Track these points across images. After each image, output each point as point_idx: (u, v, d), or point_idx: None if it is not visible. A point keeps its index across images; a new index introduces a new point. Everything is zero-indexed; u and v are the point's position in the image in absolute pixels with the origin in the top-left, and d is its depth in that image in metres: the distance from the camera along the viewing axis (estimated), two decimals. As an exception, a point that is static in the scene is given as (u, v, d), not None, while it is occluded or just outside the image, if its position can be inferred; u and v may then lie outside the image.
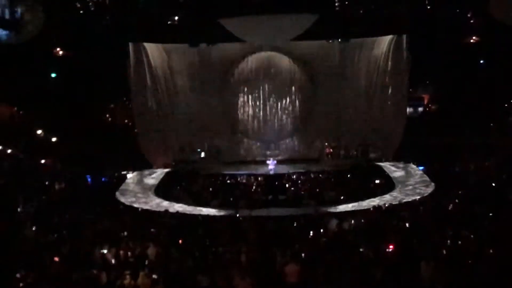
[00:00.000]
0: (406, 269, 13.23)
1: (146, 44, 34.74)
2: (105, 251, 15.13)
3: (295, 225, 19.64)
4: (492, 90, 33.51)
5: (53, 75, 35.05)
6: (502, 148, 31.01)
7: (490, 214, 18.88)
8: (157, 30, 33.20)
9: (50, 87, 33.77)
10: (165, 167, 34.17)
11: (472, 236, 15.39)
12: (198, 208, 24.99)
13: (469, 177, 28.85)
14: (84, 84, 32.80)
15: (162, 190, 29.22)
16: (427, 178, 28.67)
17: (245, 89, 37.05)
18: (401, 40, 34.14)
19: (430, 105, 41.62)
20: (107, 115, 40.04)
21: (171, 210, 23.63)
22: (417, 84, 39.07)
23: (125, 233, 18.05)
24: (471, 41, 35.64)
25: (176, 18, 32.74)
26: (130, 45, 33.91)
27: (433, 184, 27.24)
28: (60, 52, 34.84)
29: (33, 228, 19.11)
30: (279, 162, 34.14)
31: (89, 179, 31.68)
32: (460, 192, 24.33)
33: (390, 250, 14.83)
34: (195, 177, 32.17)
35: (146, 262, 14.40)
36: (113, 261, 14.82)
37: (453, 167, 31.73)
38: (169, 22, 32.79)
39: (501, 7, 21.62)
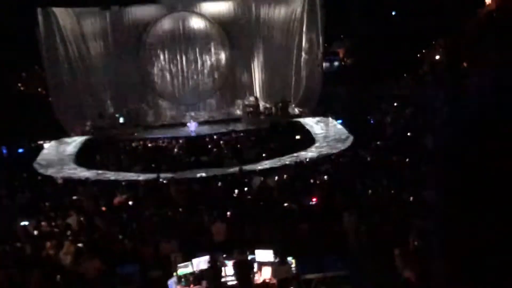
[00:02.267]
0: (330, 220, 13.60)
1: (55, 9, 33.20)
2: (27, 223, 14.80)
3: (219, 185, 19.76)
4: (405, 41, 34.30)
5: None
6: (416, 98, 31.90)
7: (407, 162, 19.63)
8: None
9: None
10: (83, 135, 33.30)
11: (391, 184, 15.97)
12: (121, 174, 24.65)
13: (386, 127, 29.65)
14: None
15: (82, 158, 28.55)
16: (345, 131, 29.25)
17: (161, 51, 36.43)
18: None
19: (345, 59, 42.28)
20: (19, 84, 38.66)
21: (92, 178, 23.26)
22: (332, 39, 39.50)
23: (46, 204, 17.68)
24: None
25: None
26: (39, 10, 32.39)
27: (351, 136, 27.84)
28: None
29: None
30: (200, 124, 34.00)
31: (4, 151, 30.70)
32: (378, 142, 25.06)
33: (314, 203, 15.18)
34: (115, 143, 31.64)
35: (69, 232, 14.14)
36: (35, 232, 14.50)
37: (370, 119, 32.49)
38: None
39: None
